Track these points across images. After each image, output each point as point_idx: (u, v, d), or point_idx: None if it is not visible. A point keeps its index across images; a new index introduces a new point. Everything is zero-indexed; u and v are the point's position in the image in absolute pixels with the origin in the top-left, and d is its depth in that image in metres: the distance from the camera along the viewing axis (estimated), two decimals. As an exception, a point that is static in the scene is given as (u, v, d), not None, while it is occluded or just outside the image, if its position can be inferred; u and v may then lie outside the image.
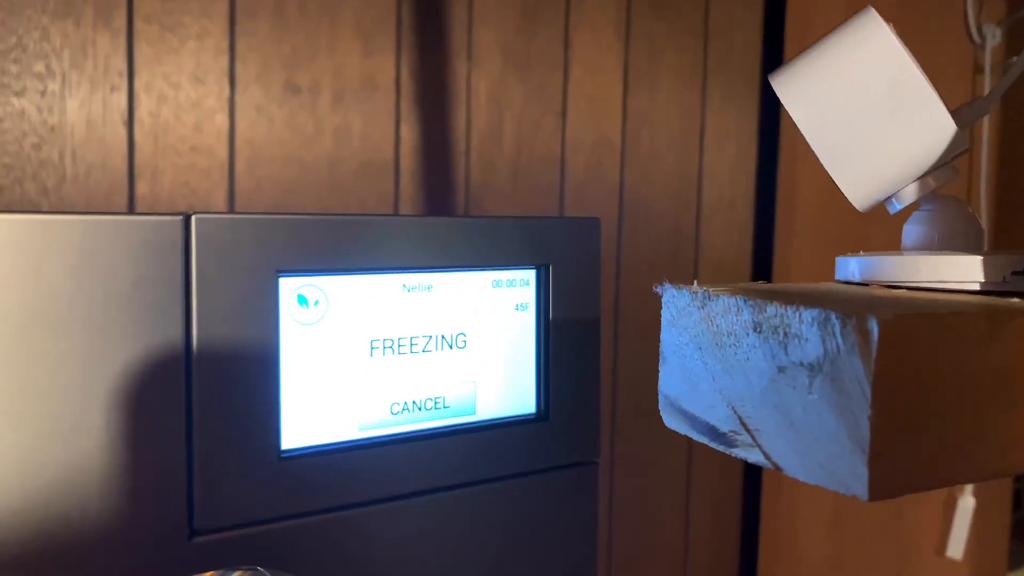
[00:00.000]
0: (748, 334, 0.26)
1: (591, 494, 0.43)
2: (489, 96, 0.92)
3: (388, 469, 0.37)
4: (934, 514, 1.23)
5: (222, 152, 0.75)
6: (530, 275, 0.40)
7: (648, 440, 1.03)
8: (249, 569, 0.31)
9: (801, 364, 0.24)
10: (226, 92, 0.76)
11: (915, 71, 0.29)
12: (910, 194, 0.31)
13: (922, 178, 0.30)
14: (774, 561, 1.11)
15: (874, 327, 0.21)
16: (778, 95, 0.31)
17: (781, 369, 0.24)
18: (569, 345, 0.41)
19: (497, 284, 0.39)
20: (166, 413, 0.32)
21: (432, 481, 0.38)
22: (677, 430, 0.29)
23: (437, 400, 0.38)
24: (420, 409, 0.38)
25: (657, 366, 0.29)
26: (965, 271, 0.28)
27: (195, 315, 0.32)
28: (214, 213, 0.32)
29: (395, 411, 0.37)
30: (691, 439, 1.05)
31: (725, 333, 0.26)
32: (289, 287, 0.34)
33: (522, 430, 0.40)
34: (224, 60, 0.76)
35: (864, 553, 1.17)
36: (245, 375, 0.33)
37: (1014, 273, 0.28)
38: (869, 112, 0.29)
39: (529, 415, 0.41)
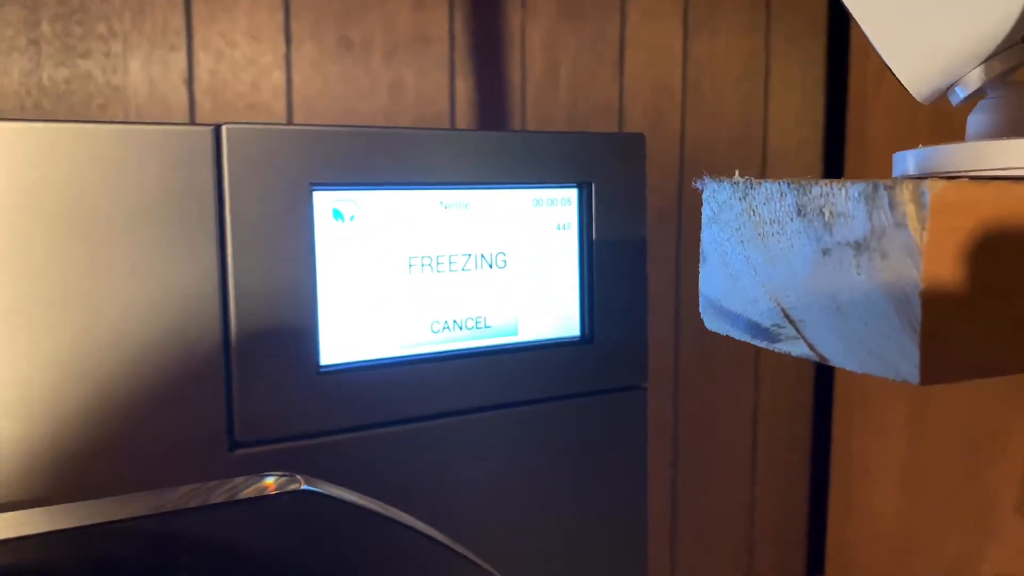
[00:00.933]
0: (792, 219, 0.24)
1: (640, 419, 0.42)
2: (544, 46, 0.91)
3: (429, 387, 0.36)
4: (1013, 471, 1.18)
5: (279, 108, 0.76)
6: (572, 194, 0.39)
7: (713, 398, 1.02)
8: (285, 474, 0.31)
9: (847, 244, 0.22)
10: (281, 49, 0.76)
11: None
12: (975, 80, 0.28)
13: (987, 61, 0.28)
14: (845, 518, 1.08)
15: (926, 193, 0.20)
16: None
17: (826, 252, 0.23)
18: (614, 266, 0.40)
19: (537, 203, 0.38)
20: (203, 326, 0.32)
21: (474, 401, 0.37)
22: (718, 331, 0.28)
23: (478, 320, 0.38)
24: (461, 328, 0.37)
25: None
26: (1036, 155, 0.26)
27: (229, 228, 0.32)
28: (245, 123, 0.32)
29: (435, 329, 0.37)
30: (757, 390, 1.01)
31: (768, 222, 0.25)
32: (324, 201, 0.34)
33: (566, 352, 0.40)
34: (279, 16, 0.76)
35: (938, 511, 1.13)
36: (282, 289, 0.33)
37: (1092, 156, 0.25)
38: (928, -12, 0.27)
39: (573, 338, 0.40)
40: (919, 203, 0.20)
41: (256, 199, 0.32)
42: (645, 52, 0.95)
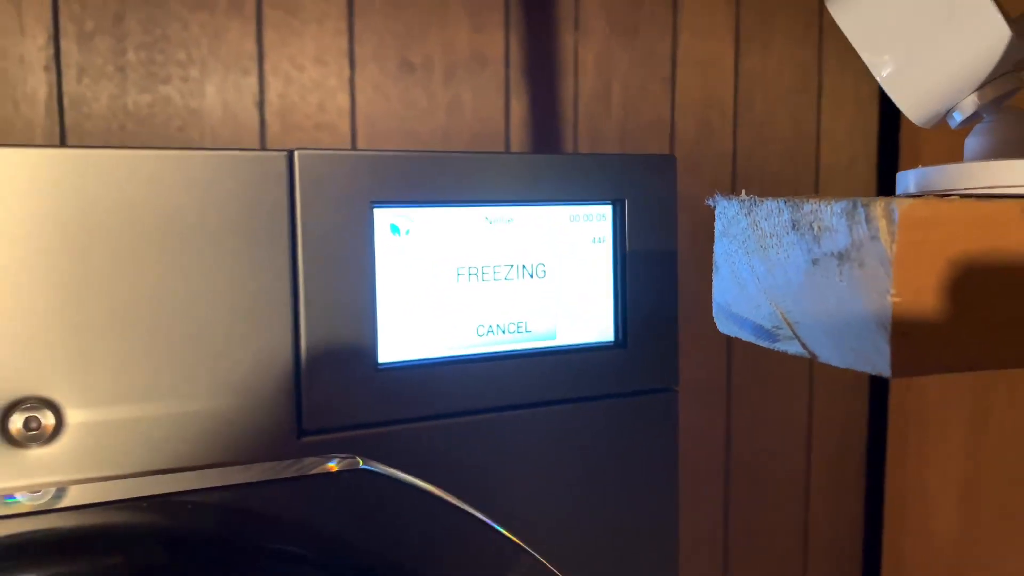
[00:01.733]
0: (788, 232, 0.27)
1: (671, 420, 0.45)
2: (596, 65, 0.94)
3: (474, 385, 0.40)
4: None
5: (344, 128, 0.81)
6: (606, 210, 0.43)
7: (765, 409, 1.02)
8: (346, 456, 0.35)
9: (832, 254, 0.25)
10: (346, 72, 0.81)
11: (967, -22, 0.29)
12: (969, 105, 0.31)
13: (980, 88, 0.31)
14: (901, 535, 1.07)
15: (895, 211, 0.23)
16: (831, 14, 0.32)
17: (815, 261, 0.26)
18: (646, 277, 0.43)
19: (574, 218, 0.42)
20: (277, 327, 0.37)
21: (515, 398, 0.41)
22: (729, 334, 0.31)
23: (519, 324, 0.41)
24: (503, 332, 0.41)
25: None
26: (1020, 175, 0.28)
27: (300, 240, 0.37)
28: (314, 149, 0.37)
29: (480, 333, 0.41)
30: (811, 403, 1.03)
31: (768, 235, 0.28)
32: (383, 217, 0.38)
33: (601, 356, 0.43)
34: (343, 41, 0.81)
35: (997, 529, 1.12)
36: (345, 295, 0.38)
37: (1072, 176, 0.28)
38: (922, 21, 0.30)
39: (608, 342, 0.44)
40: (890, 219, 0.23)
41: (323, 215, 0.37)
42: (696, 68, 0.98)
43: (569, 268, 0.42)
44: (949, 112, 0.32)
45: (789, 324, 0.28)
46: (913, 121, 0.32)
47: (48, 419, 0.34)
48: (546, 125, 0.93)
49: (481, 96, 0.88)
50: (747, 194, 0.29)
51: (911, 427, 1.04)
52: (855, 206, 0.24)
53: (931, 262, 0.23)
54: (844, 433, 1.08)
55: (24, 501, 0.33)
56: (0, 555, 0.30)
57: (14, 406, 0.33)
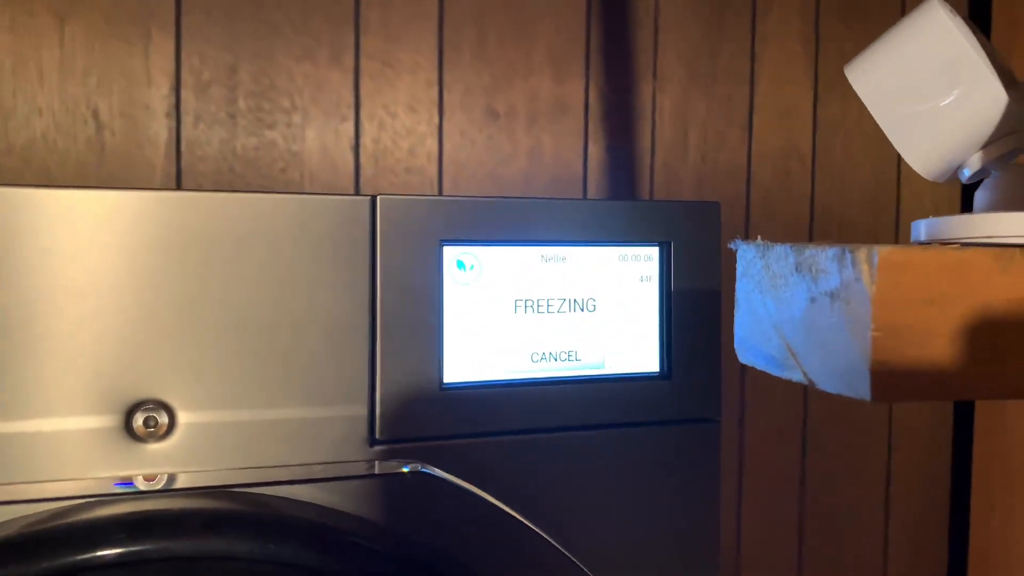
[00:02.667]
0: (792, 273, 0.31)
1: (713, 450, 0.48)
2: (674, 112, 0.97)
3: (528, 406, 0.45)
4: None
5: (432, 172, 0.87)
6: (653, 251, 0.47)
7: (842, 456, 1.01)
8: (412, 463, 0.40)
9: (826, 293, 0.29)
10: (435, 119, 0.88)
11: (967, 47, 0.32)
12: (976, 163, 0.34)
13: (985, 147, 0.34)
14: (985, 572, 1.03)
15: (875, 256, 0.26)
16: (852, 85, 0.35)
17: (813, 299, 0.29)
18: (691, 313, 0.47)
19: (623, 258, 0.46)
20: (356, 349, 0.42)
21: (565, 421, 0.45)
22: (747, 363, 0.35)
23: (570, 353, 0.46)
24: (556, 359, 0.46)
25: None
26: (1015, 226, 0.31)
27: (379, 274, 0.43)
28: (394, 194, 0.42)
29: (535, 359, 0.45)
30: (890, 454, 1.02)
31: (777, 275, 0.32)
32: (451, 254, 0.44)
33: (647, 386, 0.47)
34: (433, 91, 0.88)
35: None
36: (416, 321, 0.43)
37: (1063, 227, 0.30)
38: (928, 90, 0.33)
39: (653, 373, 0.47)
40: (871, 262, 0.26)
41: (399, 251, 0.43)
42: (774, 116, 1.00)
43: (618, 303, 0.47)
44: (959, 169, 0.35)
45: (793, 354, 0.31)
46: (924, 177, 0.35)
47: (163, 419, 0.40)
48: (623, 170, 0.97)
49: (561, 142, 0.93)
50: (762, 239, 0.33)
51: (996, 492, 1.01)
52: (844, 251, 0.28)
53: (907, 302, 0.27)
54: (926, 491, 1.05)
55: (142, 486, 0.39)
56: (121, 528, 0.36)
57: (137, 407, 0.40)
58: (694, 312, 0.47)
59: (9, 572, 0.34)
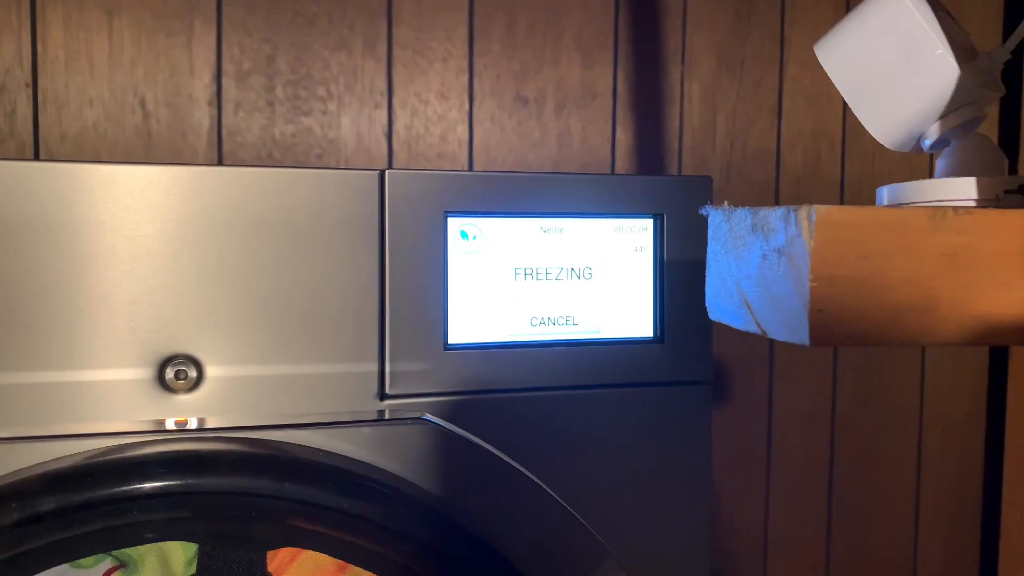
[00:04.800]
0: (749, 234, 0.33)
1: (705, 411, 0.51)
2: (702, 96, 0.98)
3: (527, 367, 0.48)
4: None
5: (463, 158, 0.89)
6: (648, 223, 0.50)
7: (871, 440, 1.01)
8: (417, 414, 0.44)
9: (775, 250, 0.31)
10: (466, 105, 0.90)
11: (921, 23, 0.34)
12: (935, 132, 0.36)
13: (943, 118, 0.36)
14: (1018, 558, 1.03)
15: (813, 214, 0.29)
16: (820, 62, 0.38)
17: (765, 256, 0.32)
18: (682, 282, 0.50)
19: (619, 230, 0.49)
20: (366, 311, 0.46)
21: (562, 381, 0.49)
22: (717, 320, 0.37)
23: (568, 318, 0.49)
24: (554, 324, 0.49)
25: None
26: (961, 190, 0.33)
27: (387, 242, 0.46)
28: (401, 169, 0.46)
29: (534, 324, 0.49)
30: (922, 439, 1.01)
31: (739, 236, 0.35)
32: (455, 225, 0.47)
33: (641, 349, 0.50)
34: (464, 78, 0.90)
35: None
36: (422, 287, 0.47)
37: (1006, 192, 0.33)
38: (888, 64, 0.35)
39: (647, 338, 0.50)
40: (810, 220, 0.29)
41: (407, 222, 0.46)
42: (804, 100, 1.00)
43: (613, 272, 0.50)
44: (920, 139, 0.37)
45: (749, 308, 0.34)
46: (887, 147, 0.37)
47: (193, 372, 0.44)
48: (651, 155, 0.98)
49: (590, 128, 0.94)
50: (728, 204, 0.36)
51: None
52: (788, 211, 0.30)
53: (843, 256, 0.29)
54: (958, 476, 1.04)
55: (173, 428, 0.43)
56: (157, 465, 0.40)
57: (168, 361, 0.44)
58: (686, 280, 0.50)
59: (67, 498, 0.39)
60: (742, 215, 0.34)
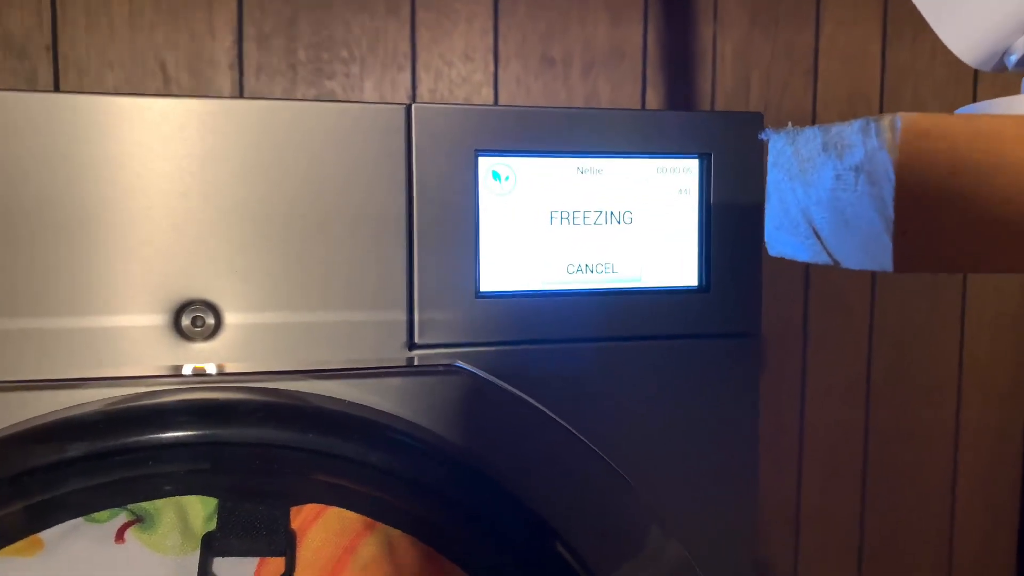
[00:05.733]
0: (819, 154, 0.30)
1: (753, 365, 0.48)
2: (735, 57, 0.95)
3: (562, 317, 0.45)
4: None
5: (487, 121, 0.87)
6: (693, 164, 0.47)
7: (908, 412, 0.99)
8: (449, 364, 0.41)
9: (851, 168, 0.28)
10: (491, 67, 0.88)
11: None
12: (1020, 47, 0.33)
13: (1033, 28, 0.32)
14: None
15: (898, 122, 0.26)
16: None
17: (838, 176, 0.29)
18: (731, 227, 0.47)
19: (661, 171, 0.46)
20: (395, 255, 0.44)
21: (600, 332, 0.46)
22: (778, 255, 0.34)
23: (607, 266, 0.46)
24: (592, 272, 0.46)
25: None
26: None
27: (415, 183, 0.43)
28: (429, 103, 0.43)
29: (570, 271, 0.46)
30: (959, 409, 0.99)
31: (806, 159, 0.31)
32: (486, 164, 0.44)
33: (685, 299, 0.47)
34: (489, 39, 0.87)
35: None
36: (452, 230, 0.44)
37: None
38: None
39: (691, 287, 0.47)
40: (894, 130, 0.26)
41: (435, 160, 0.43)
42: (840, 60, 0.97)
43: (655, 216, 0.47)
44: (1005, 55, 0.34)
45: (818, 236, 0.31)
46: (969, 64, 0.34)
47: (210, 319, 0.42)
48: (681, 116, 0.94)
49: (618, 89, 0.92)
50: (792, 125, 0.33)
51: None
52: (867, 122, 0.27)
53: (931, 170, 0.26)
54: (996, 441, 1.02)
55: (190, 377, 0.41)
56: (175, 414, 0.38)
57: (185, 307, 0.42)
58: (734, 226, 0.47)
59: (83, 446, 0.36)
60: (810, 134, 0.31)
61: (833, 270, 0.95)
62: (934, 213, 0.26)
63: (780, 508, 0.96)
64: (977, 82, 1.02)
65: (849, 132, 0.28)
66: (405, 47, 0.87)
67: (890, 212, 0.26)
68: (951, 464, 1.03)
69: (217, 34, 0.79)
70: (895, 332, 0.99)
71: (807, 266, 0.96)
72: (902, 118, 0.25)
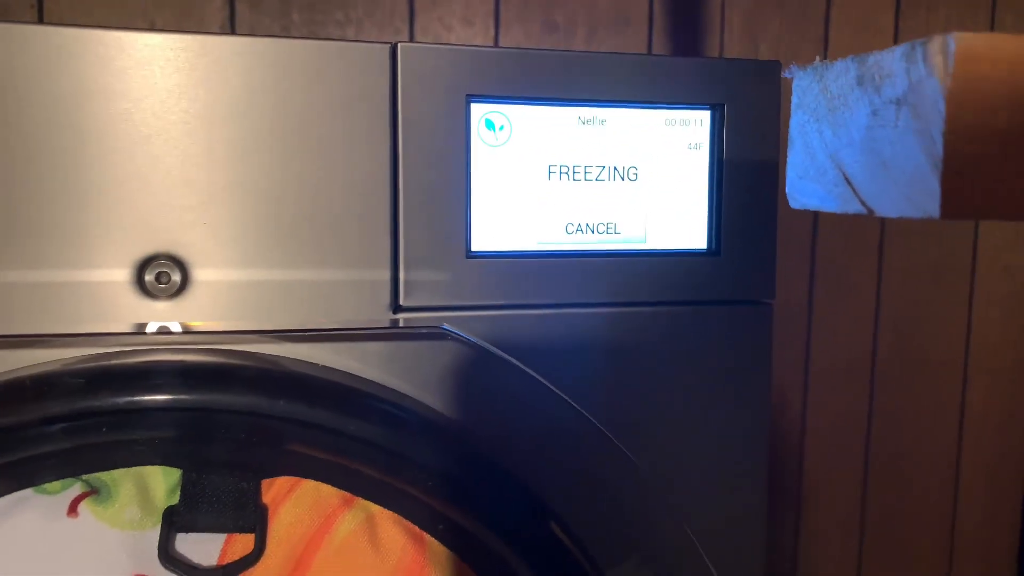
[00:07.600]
0: (853, 89, 0.27)
1: (765, 333, 0.44)
2: (744, 26, 0.92)
3: (559, 279, 0.42)
4: None
5: (486, 87, 0.83)
6: (704, 116, 0.43)
7: (912, 397, 0.97)
8: (436, 327, 0.38)
9: (891, 101, 0.25)
10: (491, 32, 0.85)
11: None
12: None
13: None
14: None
15: (951, 43, 0.22)
16: None
17: (875, 112, 0.25)
18: (744, 185, 0.43)
19: (670, 122, 0.42)
20: (377, 209, 0.40)
21: (600, 296, 0.42)
22: (801, 207, 0.31)
23: (608, 225, 0.42)
24: (592, 231, 0.42)
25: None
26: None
27: (400, 129, 0.40)
28: (416, 43, 0.39)
29: (569, 231, 0.42)
30: (965, 391, 0.97)
31: (836, 96, 0.28)
32: (478, 112, 0.41)
33: (693, 262, 0.43)
34: (490, 3, 0.84)
35: None
36: (441, 184, 0.40)
37: None
38: None
39: (701, 250, 0.44)
40: (946, 53, 0.22)
41: (423, 106, 0.40)
42: (852, 29, 0.93)
43: (662, 173, 0.43)
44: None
45: (850, 183, 0.27)
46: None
47: (176, 275, 0.38)
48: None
49: (623, 55, 0.89)
50: (820, 59, 0.29)
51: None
52: (914, 47, 0.23)
53: (987, 99, 0.22)
54: (1001, 422, 1.00)
55: (155, 340, 0.37)
56: (133, 377, 0.34)
57: (149, 261, 0.38)
58: (748, 184, 0.43)
59: (28, 410, 0.33)
60: (842, 67, 0.27)
61: (839, 248, 0.92)
62: (990, 150, 0.22)
63: (781, 486, 0.95)
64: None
65: (890, 60, 0.24)
66: (403, 10, 0.84)
67: (939, 150, 0.22)
68: (955, 445, 1.01)
69: (207, -6, 0.76)
70: (901, 311, 0.97)
71: (813, 244, 0.93)
72: (955, 39, 0.22)
